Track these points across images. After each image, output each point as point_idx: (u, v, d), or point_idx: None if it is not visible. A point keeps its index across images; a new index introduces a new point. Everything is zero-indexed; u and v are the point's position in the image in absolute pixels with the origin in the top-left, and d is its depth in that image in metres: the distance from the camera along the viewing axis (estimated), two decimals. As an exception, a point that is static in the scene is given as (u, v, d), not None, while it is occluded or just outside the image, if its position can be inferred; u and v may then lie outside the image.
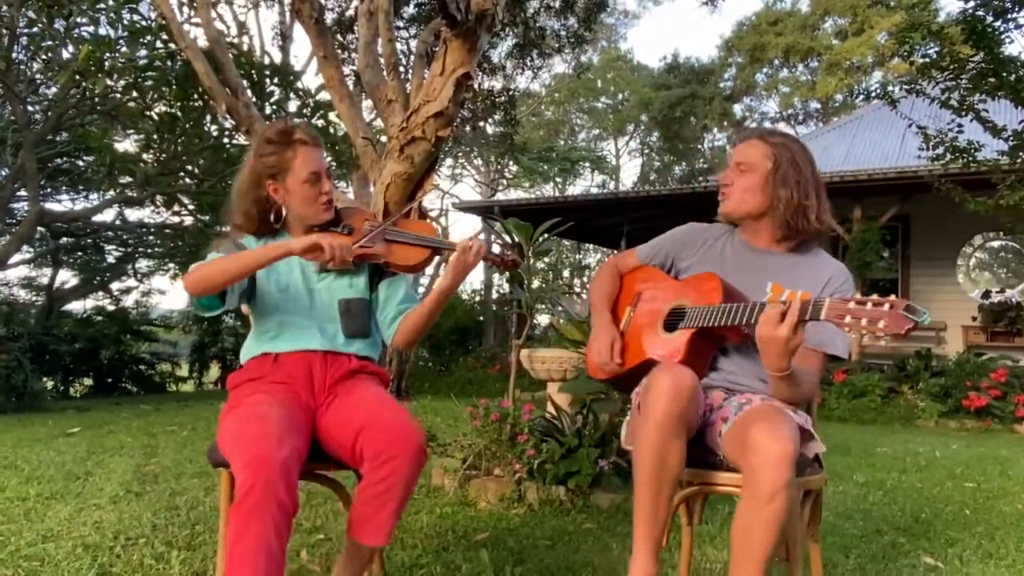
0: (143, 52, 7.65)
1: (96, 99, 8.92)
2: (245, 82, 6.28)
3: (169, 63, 7.97)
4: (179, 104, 8.66)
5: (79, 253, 13.97)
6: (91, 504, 3.27)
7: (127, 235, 13.26)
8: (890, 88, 9.00)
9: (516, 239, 3.81)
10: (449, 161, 23.30)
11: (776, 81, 29.79)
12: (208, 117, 8.98)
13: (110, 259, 14.28)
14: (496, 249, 2.12)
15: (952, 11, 21.32)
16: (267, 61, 11.08)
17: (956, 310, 10.87)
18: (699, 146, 32.00)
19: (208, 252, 2.04)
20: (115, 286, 15.00)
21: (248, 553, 1.53)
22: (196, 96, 8.40)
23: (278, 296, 2.03)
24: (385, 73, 4.31)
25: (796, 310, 1.68)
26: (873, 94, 9.01)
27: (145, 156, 9.94)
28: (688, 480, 1.89)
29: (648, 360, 1.99)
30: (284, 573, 1.60)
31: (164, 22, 5.67)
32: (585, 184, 30.47)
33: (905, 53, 7.61)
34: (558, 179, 28.40)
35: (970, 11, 6.95)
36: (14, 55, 8.67)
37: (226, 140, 9.50)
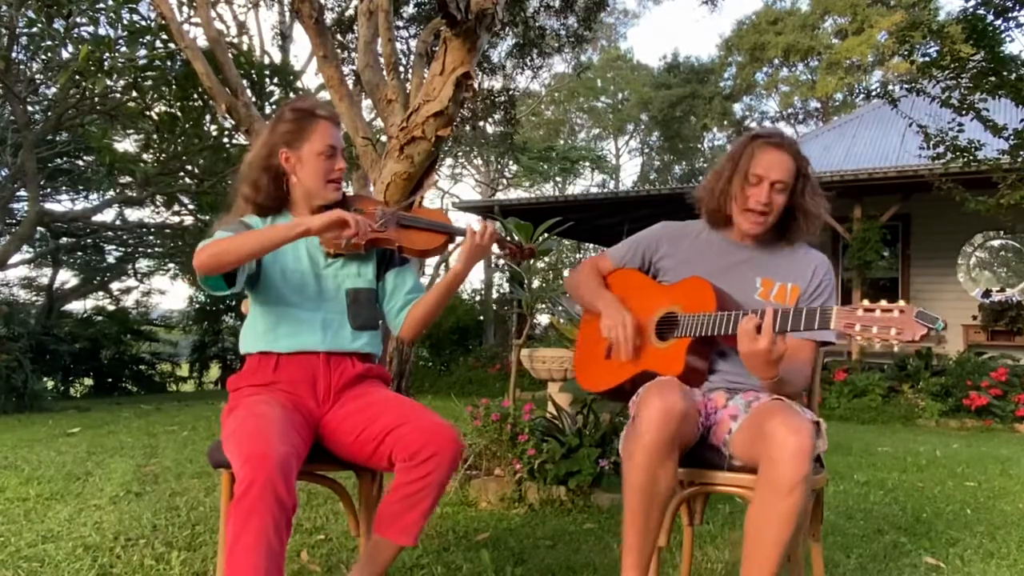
0: (143, 52, 7.64)
1: (96, 99, 8.91)
2: (245, 82, 6.27)
3: (169, 63, 7.96)
4: (179, 104, 8.65)
5: (79, 253, 13.96)
6: (91, 504, 3.27)
7: (127, 235, 13.25)
8: (890, 87, 8.99)
9: (516, 239, 3.80)
10: (449, 161, 23.31)
11: (776, 80, 29.79)
12: (208, 117, 8.98)
13: (110, 259, 14.28)
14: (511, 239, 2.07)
15: (952, 10, 21.37)
16: (267, 61, 11.09)
17: (957, 309, 10.86)
18: (699, 145, 31.99)
19: (214, 231, 1.96)
20: (115, 286, 15.01)
21: (248, 550, 1.52)
22: (196, 96, 8.40)
23: (282, 283, 1.97)
24: (385, 73, 4.30)
25: (770, 321, 1.68)
26: (873, 93, 9.02)
27: (145, 156, 9.94)
28: (689, 480, 1.89)
29: (645, 372, 1.95)
30: (284, 571, 1.59)
31: (164, 22, 5.66)
32: (585, 184, 30.48)
33: (905, 52, 7.60)
34: (558, 179, 28.39)
35: (971, 10, 6.94)
36: (14, 55, 8.66)
37: (226, 140, 9.49)
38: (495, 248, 2.07)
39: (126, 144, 10.66)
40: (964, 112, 7.41)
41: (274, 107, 9.37)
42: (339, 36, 10.49)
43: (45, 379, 11.22)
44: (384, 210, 2.05)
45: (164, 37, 7.52)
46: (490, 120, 14.08)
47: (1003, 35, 6.92)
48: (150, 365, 14.57)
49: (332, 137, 2.00)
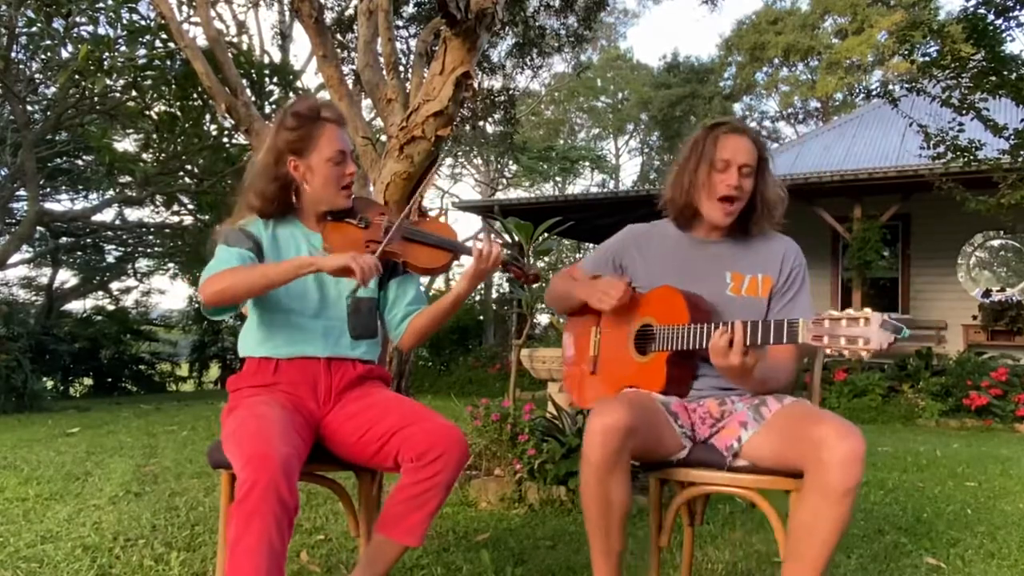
0: (142, 51, 7.63)
1: (95, 99, 8.91)
2: (245, 81, 6.27)
3: (168, 62, 7.95)
4: (178, 103, 8.64)
5: (79, 253, 13.97)
6: (90, 505, 3.26)
7: (127, 235, 13.26)
8: (891, 87, 8.99)
9: (516, 238, 3.80)
10: (449, 160, 23.30)
11: (776, 80, 29.80)
12: (207, 116, 8.97)
13: (110, 259, 14.29)
14: (517, 259, 2.04)
15: (952, 9, 21.37)
16: (267, 60, 11.07)
17: (957, 309, 10.86)
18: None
19: (215, 240, 1.96)
20: (115, 286, 15.02)
21: (250, 551, 1.52)
22: (195, 95, 8.39)
23: (284, 290, 1.94)
24: (385, 72, 4.29)
25: (740, 336, 1.70)
26: (873, 93, 9.01)
27: (144, 156, 9.94)
28: (689, 481, 1.88)
29: (629, 387, 1.96)
30: (285, 572, 1.58)
31: (163, 21, 5.66)
32: (585, 183, 30.48)
33: (906, 52, 7.60)
34: (558, 178, 28.40)
35: (971, 9, 6.93)
36: (13, 55, 8.66)
37: (225, 140, 9.49)
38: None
39: (126, 144, 10.67)
40: (964, 112, 7.41)
41: (274, 107, 9.36)
42: (339, 36, 10.49)
43: (45, 379, 11.23)
44: (390, 221, 2.01)
45: (164, 37, 7.52)
46: (490, 120, 14.07)
47: (1004, 35, 6.92)
48: (150, 365, 14.57)
49: (341, 141, 1.95)
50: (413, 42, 10.32)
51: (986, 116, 7.31)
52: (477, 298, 16.63)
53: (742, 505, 3.34)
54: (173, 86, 8.23)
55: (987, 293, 10.88)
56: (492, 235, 13.74)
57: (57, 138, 10.86)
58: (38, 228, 11.36)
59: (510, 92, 12.91)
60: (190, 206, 11.58)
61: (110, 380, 13.54)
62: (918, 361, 8.86)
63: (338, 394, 1.94)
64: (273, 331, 1.96)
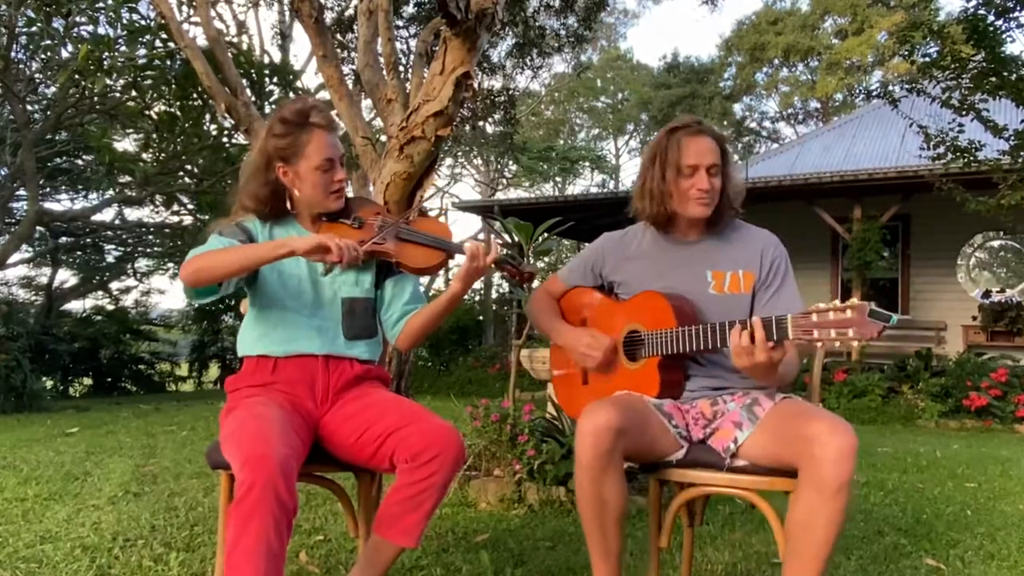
0: (142, 51, 7.63)
1: (95, 98, 8.90)
2: (245, 81, 6.26)
3: (168, 62, 7.95)
4: (178, 103, 8.64)
5: (78, 252, 13.96)
6: (89, 505, 3.26)
7: (126, 234, 13.25)
8: (890, 87, 8.99)
9: (516, 239, 3.80)
10: (449, 160, 23.31)
11: (776, 80, 29.80)
12: (207, 116, 8.97)
13: (109, 258, 14.28)
14: (512, 258, 2.04)
15: (952, 10, 21.36)
16: (267, 60, 11.07)
17: (956, 309, 10.86)
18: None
19: (210, 232, 1.97)
20: (114, 285, 15.01)
21: (248, 553, 1.52)
22: (195, 95, 8.39)
23: (279, 286, 1.96)
24: (385, 72, 4.29)
25: (761, 331, 1.66)
26: (873, 93, 9.01)
27: (144, 155, 9.93)
28: (689, 482, 1.88)
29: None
30: (284, 573, 1.58)
31: (163, 21, 5.65)
32: (585, 183, 30.49)
33: (906, 52, 7.60)
34: (558, 178, 28.40)
35: (971, 10, 6.93)
36: (13, 54, 8.65)
37: (225, 139, 9.49)
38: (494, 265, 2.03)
39: (125, 143, 10.67)
40: (964, 112, 7.41)
41: (274, 107, 9.36)
42: (339, 36, 10.49)
43: (44, 379, 11.23)
44: (385, 220, 2.01)
45: (163, 36, 7.52)
46: (490, 120, 14.07)
47: (1004, 35, 6.92)
48: (149, 365, 14.56)
49: (328, 148, 1.94)
50: (413, 42, 10.32)
51: (986, 117, 7.31)
52: (476, 298, 16.63)
53: (742, 506, 3.34)
54: (173, 86, 8.23)
55: (987, 294, 10.88)
56: (492, 235, 13.76)
57: (57, 138, 10.86)
58: (38, 228, 11.36)
59: (510, 92, 12.91)
60: (190, 206, 11.57)
61: (109, 380, 13.54)
62: (918, 362, 8.86)
63: (336, 394, 1.94)
64: (269, 328, 1.96)
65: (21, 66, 9.20)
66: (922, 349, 9.21)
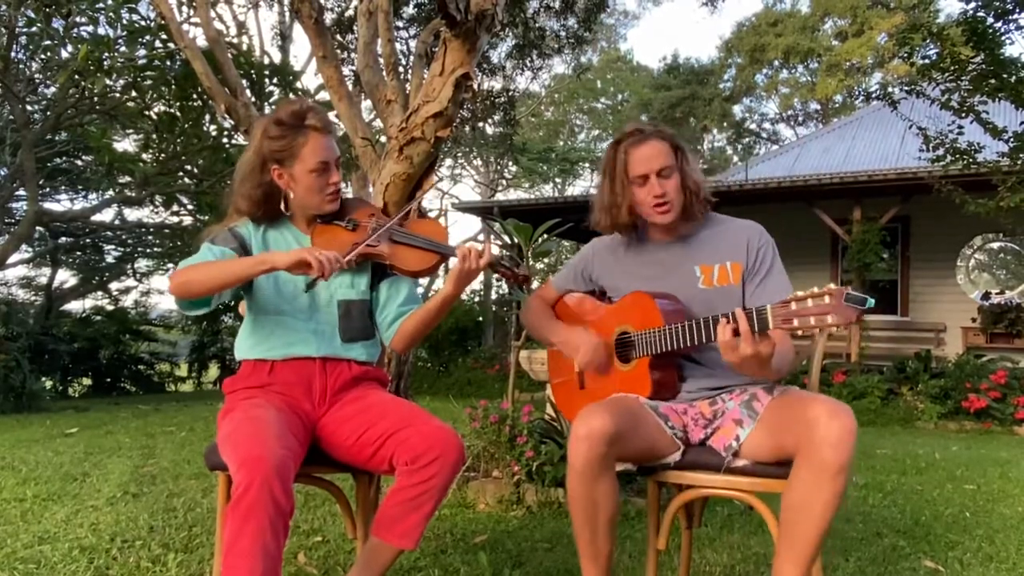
0: (142, 52, 7.62)
1: (95, 99, 8.90)
2: (244, 82, 6.26)
3: (168, 63, 7.94)
4: (178, 104, 8.63)
5: (78, 253, 13.96)
6: (88, 506, 3.26)
7: (126, 235, 13.25)
8: (890, 89, 8.99)
9: (516, 240, 3.80)
10: (449, 161, 23.31)
11: (776, 82, 29.81)
12: (207, 117, 8.96)
13: (109, 259, 14.27)
14: (508, 260, 2.03)
15: (952, 12, 21.36)
16: (266, 61, 11.06)
17: (956, 311, 10.87)
18: (699, 147, 31.99)
19: (202, 240, 1.97)
20: (114, 286, 15.00)
21: (245, 554, 1.52)
22: (195, 96, 8.38)
23: (275, 292, 1.96)
24: (384, 73, 4.29)
25: (745, 324, 1.65)
26: (873, 95, 9.00)
27: (144, 156, 9.92)
28: (688, 484, 1.88)
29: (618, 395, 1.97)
30: (281, 574, 1.58)
31: (163, 22, 5.66)
32: (585, 185, 30.44)
33: (905, 54, 7.60)
34: (558, 179, 28.40)
35: (971, 12, 6.94)
36: (13, 54, 8.65)
37: (225, 140, 9.47)
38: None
39: (125, 144, 10.66)
40: (964, 114, 7.42)
41: (273, 107, 9.35)
42: (339, 36, 10.49)
43: (43, 379, 11.23)
44: (379, 222, 2.00)
45: (163, 37, 7.51)
46: (490, 121, 14.07)
47: (1003, 38, 6.92)
48: (149, 365, 14.56)
49: (323, 151, 1.92)
50: (413, 43, 10.32)
51: (985, 119, 7.32)
52: (476, 299, 16.63)
53: (740, 508, 3.33)
54: (173, 86, 8.22)
55: (986, 295, 10.89)
56: (490, 237, 13.74)
57: (56, 138, 10.85)
58: (37, 228, 11.36)
59: (510, 93, 12.90)
60: (189, 206, 11.56)
61: (109, 380, 13.53)
62: (917, 363, 8.86)
63: (333, 395, 1.94)
64: (267, 333, 1.96)
65: (21, 66, 9.19)
66: (921, 351, 9.21)
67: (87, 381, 13.49)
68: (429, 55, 4.46)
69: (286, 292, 1.97)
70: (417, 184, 3.51)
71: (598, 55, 30.96)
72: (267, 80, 9.22)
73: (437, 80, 3.33)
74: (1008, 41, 6.94)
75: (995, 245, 11.44)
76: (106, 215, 12.46)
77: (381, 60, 4.37)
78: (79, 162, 11.91)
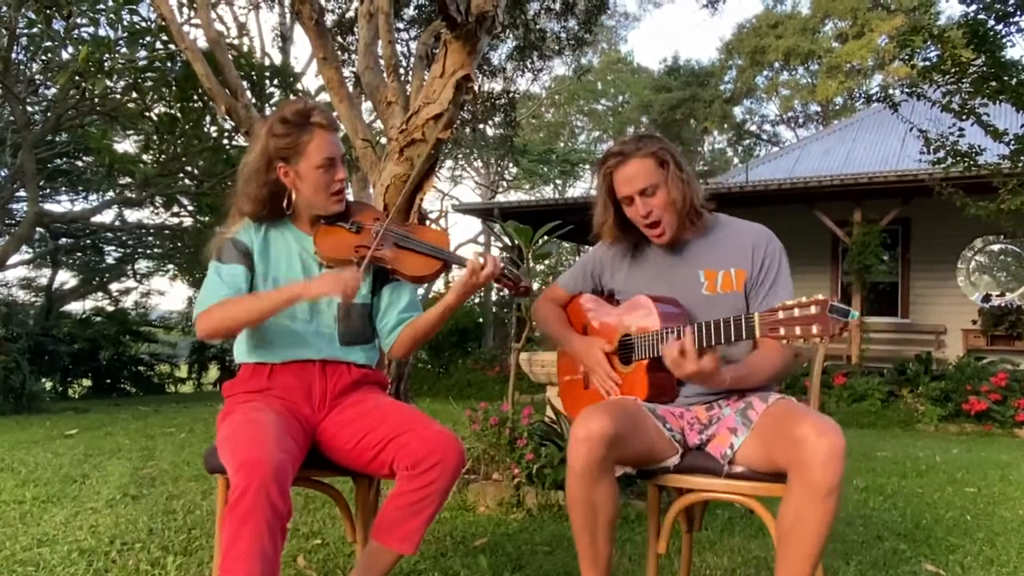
0: (143, 53, 7.63)
1: (96, 100, 8.90)
2: (245, 83, 6.26)
3: (169, 64, 7.95)
4: (179, 105, 8.63)
5: (78, 254, 13.96)
6: (87, 508, 3.25)
7: (126, 236, 13.25)
8: (891, 91, 9.00)
9: (516, 242, 3.80)
10: (449, 163, 23.31)
11: (776, 84, 29.81)
12: (208, 118, 8.96)
13: (109, 260, 14.28)
14: (510, 272, 2.03)
15: (953, 14, 21.37)
16: (267, 62, 11.07)
17: (956, 313, 10.86)
18: (699, 149, 32.01)
19: (207, 253, 1.97)
20: (114, 287, 15.00)
21: (242, 558, 1.51)
22: (196, 97, 8.38)
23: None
24: (385, 75, 4.29)
25: (689, 343, 1.70)
26: (874, 97, 9.00)
27: (144, 157, 9.92)
28: (688, 488, 1.88)
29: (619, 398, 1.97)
30: (279, 578, 1.58)
31: (164, 23, 5.65)
32: (585, 186, 30.44)
33: (906, 56, 7.60)
34: (558, 181, 28.40)
35: (971, 14, 6.94)
36: (13, 56, 8.65)
37: (226, 141, 9.48)
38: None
39: (126, 145, 10.67)
40: (965, 117, 7.41)
41: (274, 109, 9.35)
42: (339, 38, 10.49)
43: (43, 380, 11.21)
44: (383, 227, 2.00)
45: (164, 38, 7.51)
46: (490, 122, 14.07)
47: (1004, 40, 6.92)
48: (149, 366, 14.55)
49: (329, 148, 1.93)
50: (414, 45, 10.32)
51: (986, 121, 7.32)
52: (476, 300, 16.63)
53: (740, 511, 3.33)
54: (173, 88, 8.22)
55: (987, 298, 10.89)
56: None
57: (57, 139, 10.86)
58: (38, 229, 11.36)
59: (510, 95, 12.90)
60: (190, 208, 11.56)
61: (109, 381, 13.52)
62: (917, 366, 8.86)
63: (333, 399, 1.94)
64: (267, 337, 1.95)
65: (22, 67, 9.20)
66: (922, 353, 9.21)
67: (87, 382, 13.48)
68: (430, 57, 4.46)
69: None
70: (418, 186, 3.51)
71: (599, 57, 30.99)
72: (268, 81, 9.22)
73: (438, 82, 3.32)
74: (1009, 43, 6.95)
75: (996, 247, 11.44)
76: (106, 216, 12.48)
77: (382, 62, 4.37)
78: (80, 163, 11.91)
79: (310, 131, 1.91)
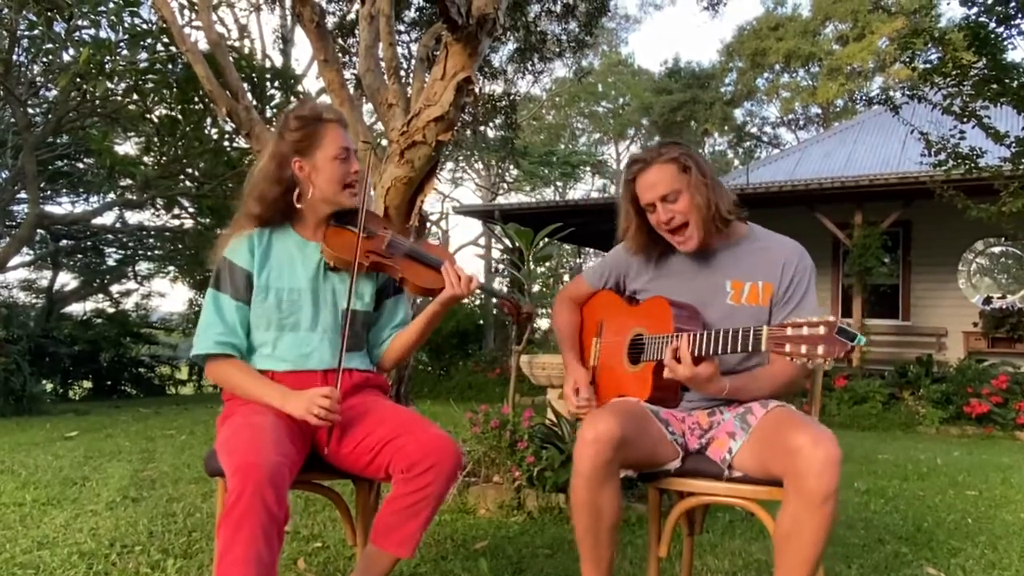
0: (144, 55, 7.64)
1: (97, 102, 8.91)
2: (246, 85, 6.26)
3: (170, 66, 7.96)
4: (180, 107, 8.64)
5: (79, 256, 13.95)
6: (87, 510, 3.25)
7: (127, 238, 13.25)
8: (892, 94, 8.99)
9: (517, 244, 3.79)
10: (450, 165, 23.33)
11: (777, 86, 29.83)
12: (209, 120, 8.97)
13: (110, 262, 14.26)
14: (511, 295, 2.04)
15: (954, 17, 21.38)
16: (268, 64, 11.09)
17: (957, 316, 10.86)
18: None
19: (208, 263, 1.98)
20: (115, 289, 14.97)
21: (238, 563, 1.51)
22: (197, 99, 8.39)
23: (275, 305, 1.94)
24: (386, 77, 4.29)
25: (685, 348, 1.73)
26: (874, 100, 9.00)
27: (145, 159, 9.94)
28: (689, 491, 1.87)
29: (620, 396, 1.97)
30: (276, 583, 1.57)
31: (165, 25, 5.66)
32: (586, 188, 30.54)
33: (907, 59, 7.60)
34: (559, 183, 28.42)
35: (972, 17, 6.94)
36: (14, 58, 8.67)
37: (226, 143, 9.49)
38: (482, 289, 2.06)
39: (126, 147, 10.69)
40: (965, 119, 7.41)
41: (275, 111, 9.37)
42: (340, 40, 10.49)
43: (44, 382, 11.19)
44: (394, 237, 2.02)
45: (165, 40, 7.52)
46: (491, 124, 14.08)
47: (1005, 43, 6.92)
48: (149, 368, 14.52)
49: (343, 139, 1.98)
50: (414, 47, 10.32)
51: (987, 124, 7.32)
52: (477, 302, 16.62)
53: (741, 514, 3.32)
54: (174, 90, 8.23)
55: (988, 300, 10.88)
56: (492, 240, 13.67)
57: (58, 141, 10.85)
58: (38, 231, 11.36)
59: (511, 97, 12.91)
60: (191, 209, 11.57)
61: (109, 383, 13.50)
62: (918, 368, 8.85)
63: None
64: (270, 342, 1.94)
65: (23, 69, 9.21)
66: (923, 355, 9.20)
67: (87, 384, 13.46)
68: (430, 59, 4.47)
69: (291, 300, 1.95)
70: (419, 188, 3.51)
71: (599, 59, 31.02)
72: (268, 83, 9.23)
73: (438, 84, 3.33)
74: (1010, 46, 6.95)
75: (996, 250, 11.43)
76: (107, 218, 12.48)
77: (382, 64, 4.38)
78: (80, 165, 11.91)
79: (323, 125, 1.96)
